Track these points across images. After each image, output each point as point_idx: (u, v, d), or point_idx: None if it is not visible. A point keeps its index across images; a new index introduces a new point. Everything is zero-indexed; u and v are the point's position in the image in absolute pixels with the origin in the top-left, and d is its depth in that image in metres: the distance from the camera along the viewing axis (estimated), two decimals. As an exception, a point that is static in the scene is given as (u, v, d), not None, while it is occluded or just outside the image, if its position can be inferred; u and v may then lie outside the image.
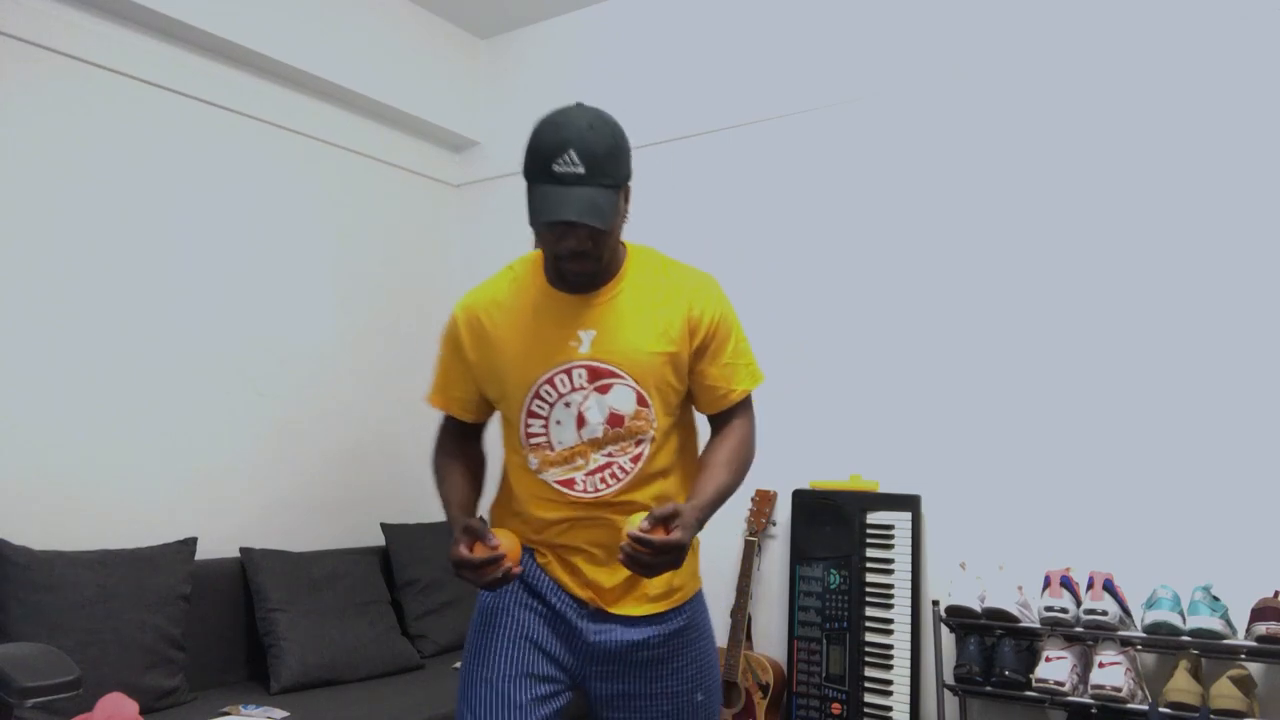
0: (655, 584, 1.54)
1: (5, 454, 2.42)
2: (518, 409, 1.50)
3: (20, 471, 2.44)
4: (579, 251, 1.39)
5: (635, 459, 1.50)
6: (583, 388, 1.48)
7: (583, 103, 1.46)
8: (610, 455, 1.49)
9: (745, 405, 1.63)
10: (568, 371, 1.48)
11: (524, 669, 1.50)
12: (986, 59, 2.74)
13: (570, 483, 1.50)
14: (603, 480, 1.49)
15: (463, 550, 1.38)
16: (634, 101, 3.45)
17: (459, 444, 1.66)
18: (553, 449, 1.50)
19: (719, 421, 1.63)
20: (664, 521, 1.34)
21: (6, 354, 2.44)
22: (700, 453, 1.63)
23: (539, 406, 1.49)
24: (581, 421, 1.48)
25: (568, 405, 1.48)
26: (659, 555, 1.33)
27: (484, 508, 3.45)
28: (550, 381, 1.48)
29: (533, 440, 1.51)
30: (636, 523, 1.35)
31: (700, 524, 1.42)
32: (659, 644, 1.54)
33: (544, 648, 1.52)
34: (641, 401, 1.49)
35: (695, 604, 1.62)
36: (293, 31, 3.12)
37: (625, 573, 1.50)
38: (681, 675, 1.56)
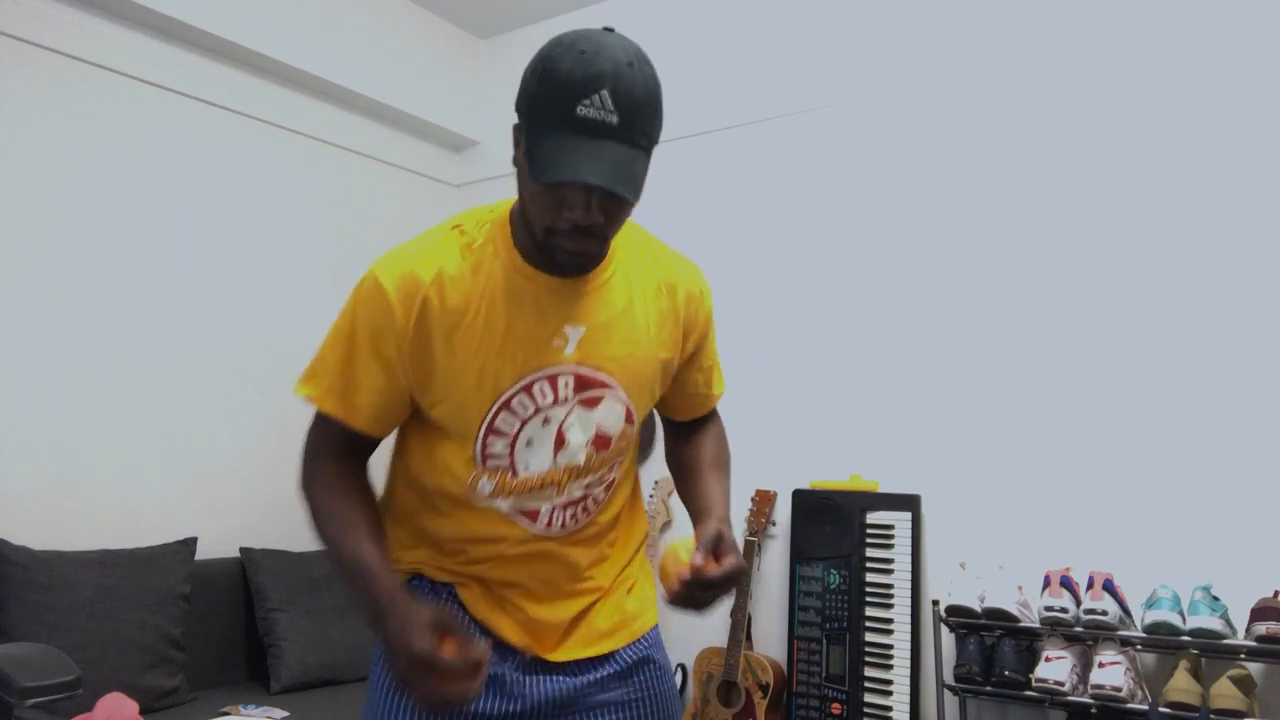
0: (604, 616, 1.24)
1: (5, 454, 2.42)
2: (474, 423, 1.13)
3: (20, 471, 2.44)
4: (586, 228, 1.02)
5: (609, 486, 1.23)
6: (566, 400, 1.14)
7: (615, 29, 1.05)
8: (588, 487, 1.19)
9: (716, 412, 1.43)
10: (552, 379, 1.13)
11: None
12: (987, 59, 2.74)
13: (533, 514, 1.18)
14: (573, 516, 1.20)
15: (427, 647, 0.96)
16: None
17: (351, 472, 1.18)
18: (515, 474, 1.15)
19: (692, 427, 1.39)
20: (714, 549, 1.09)
21: (6, 354, 2.45)
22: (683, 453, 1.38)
23: (506, 422, 1.13)
24: (561, 444, 1.15)
25: (546, 422, 1.14)
26: (723, 588, 1.08)
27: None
28: (528, 390, 1.13)
29: (491, 461, 1.14)
30: (685, 558, 1.08)
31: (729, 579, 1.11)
32: (615, 686, 1.23)
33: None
34: (629, 419, 1.19)
35: (654, 637, 1.31)
36: (293, 31, 3.12)
37: (571, 609, 1.22)
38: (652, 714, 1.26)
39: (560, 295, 1.13)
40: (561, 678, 1.21)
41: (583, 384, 1.15)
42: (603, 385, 1.16)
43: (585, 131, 0.98)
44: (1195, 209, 2.39)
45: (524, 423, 1.14)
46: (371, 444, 1.21)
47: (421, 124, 3.67)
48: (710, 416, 1.41)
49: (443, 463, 1.17)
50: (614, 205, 1.03)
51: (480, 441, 1.13)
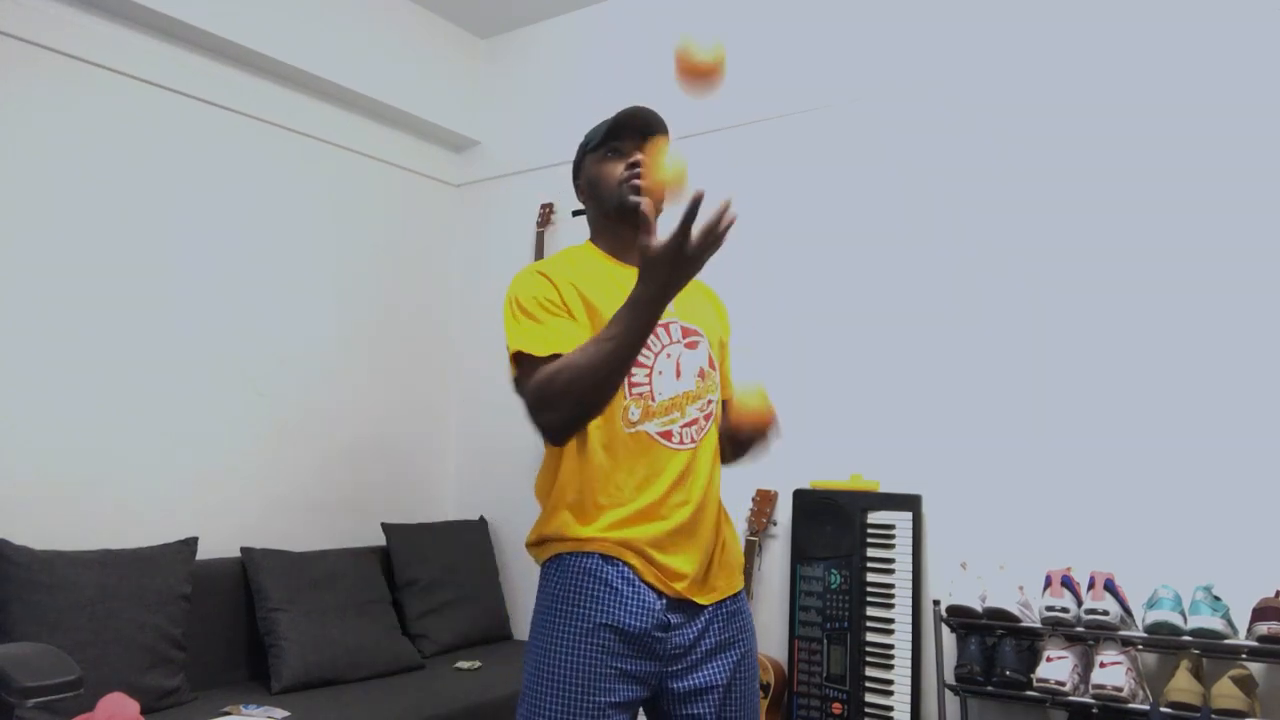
0: (727, 560, 1.57)
1: (5, 454, 2.42)
2: None
3: (20, 471, 2.44)
4: (639, 164, 1.55)
5: (708, 416, 1.57)
6: (678, 341, 1.55)
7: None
8: (701, 409, 1.55)
9: None
10: (666, 326, 1.54)
11: (612, 698, 1.42)
12: (987, 59, 2.74)
13: (669, 434, 1.50)
14: (693, 435, 1.53)
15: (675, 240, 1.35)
16: (634, 101, 3.44)
17: None
18: (654, 399, 1.50)
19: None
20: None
21: (7, 354, 2.44)
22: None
23: (644, 355, 1.50)
24: (679, 372, 1.53)
25: (669, 356, 1.53)
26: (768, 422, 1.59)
27: (487, 509, 3.37)
28: (655, 332, 1.50)
29: (636, 389, 1.49)
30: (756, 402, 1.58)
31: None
32: (728, 630, 1.54)
33: (628, 669, 1.44)
34: (711, 364, 1.60)
35: (743, 597, 1.64)
36: (293, 31, 3.12)
37: (701, 557, 1.52)
38: (746, 662, 1.56)
39: (661, 275, 1.41)
40: (691, 621, 1.50)
41: (685, 331, 1.57)
42: (696, 334, 1.59)
43: (626, 117, 1.62)
44: (1195, 209, 2.39)
45: (655, 355, 1.52)
46: None
47: (421, 124, 3.67)
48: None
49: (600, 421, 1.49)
50: (646, 142, 1.57)
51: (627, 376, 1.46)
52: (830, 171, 2.98)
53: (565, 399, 1.36)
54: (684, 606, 1.49)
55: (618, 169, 1.58)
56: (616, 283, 1.52)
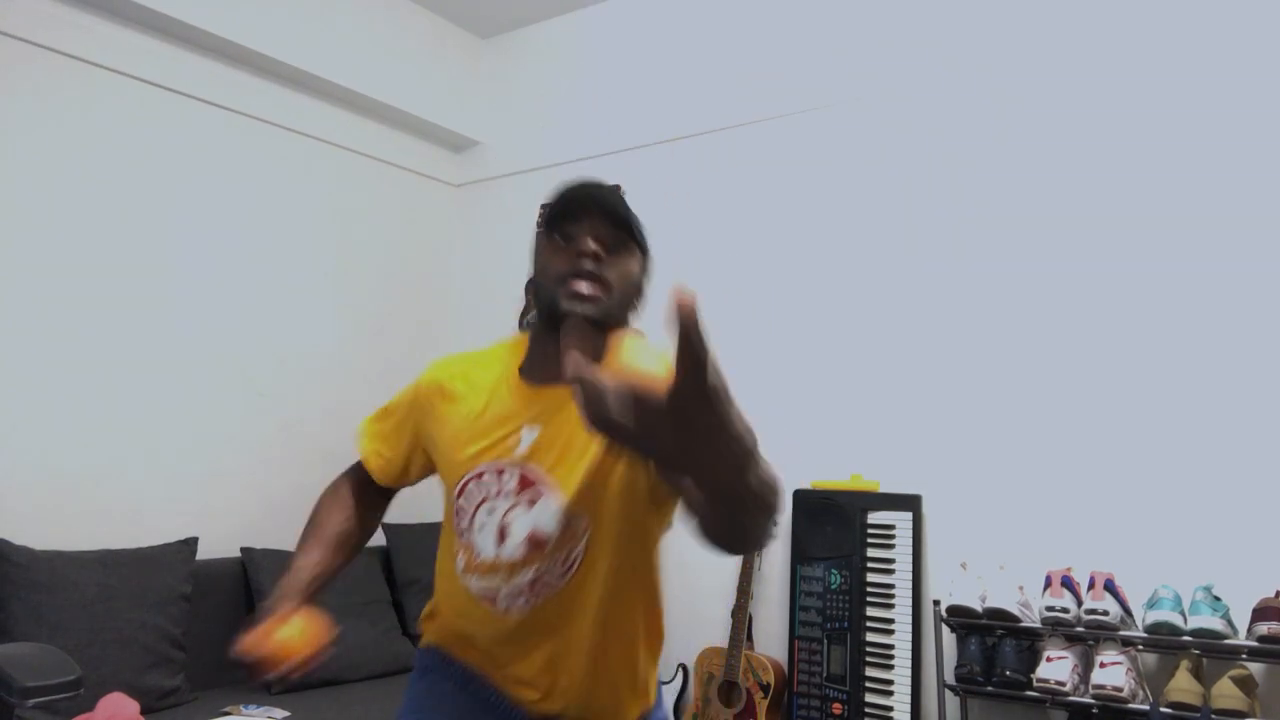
0: (606, 714, 1.27)
1: (5, 454, 2.42)
2: (450, 493, 1.28)
3: (20, 471, 2.44)
4: (590, 255, 1.17)
5: (568, 568, 1.21)
6: (507, 494, 1.21)
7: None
8: (538, 573, 1.20)
9: None
10: (499, 472, 1.22)
11: None
12: (987, 59, 2.74)
13: (491, 598, 1.22)
14: (526, 601, 1.21)
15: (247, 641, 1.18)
16: (634, 101, 3.45)
17: (358, 494, 1.45)
18: (476, 555, 1.23)
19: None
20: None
21: (7, 354, 2.44)
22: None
23: (467, 500, 1.24)
24: (502, 536, 1.21)
25: (491, 511, 1.22)
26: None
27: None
28: (479, 476, 1.23)
29: (462, 538, 1.26)
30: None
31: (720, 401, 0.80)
32: None
33: None
34: (567, 524, 1.19)
35: None
36: (293, 31, 3.12)
37: (569, 701, 1.24)
38: None
39: (530, 400, 1.24)
40: None
41: (525, 482, 1.20)
42: (543, 486, 1.19)
43: (586, 191, 1.20)
44: (1195, 210, 2.39)
45: (477, 506, 1.23)
46: (378, 489, 1.50)
47: (421, 124, 3.67)
48: None
49: (444, 529, 1.33)
50: (614, 246, 1.20)
51: (455, 512, 1.27)
52: (830, 172, 2.98)
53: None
54: None
55: (561, 259, 1.19)
56: (490, 393, 1.27)
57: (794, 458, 2.91)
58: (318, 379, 3.27)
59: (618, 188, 1.27)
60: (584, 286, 1.17)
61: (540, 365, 1.24)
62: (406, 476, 1.46)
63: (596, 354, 1.12)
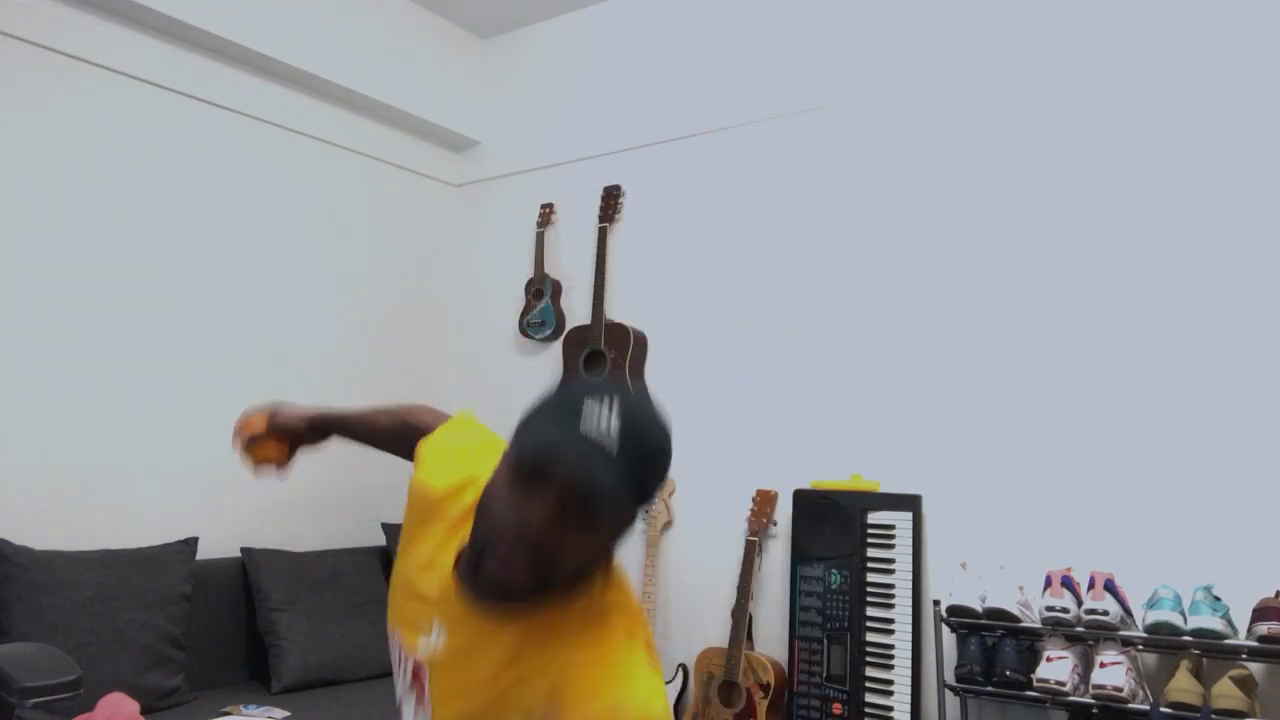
0: None
1: (5, 454, 2.42)
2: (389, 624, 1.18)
3: (20, 471, 2.44)
4: (521, 539, 0.90)
5: None
6: (404, 678, 1.10)
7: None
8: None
9: None
10: (401, 653, 1.11)
11: None
12: (987, 59, 2.74)
13: None
14: None
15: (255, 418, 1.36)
16: (633, 101, 3.45)
17: (407, 431, 1.35)
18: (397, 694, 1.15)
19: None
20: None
21: (7, 354, 2.44)
22: None
23: (393, 655, 1.15)
24: (400, 713, 1.13)
25: (402, 676, 1.12)
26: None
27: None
28: (393, 639, 1.14)
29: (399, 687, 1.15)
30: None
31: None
32: None
33: None
34: None
35: None
36: (292, 31, 3.12)
37: None
38: None
39: (455, 601, 1.01)
40: None
41: (416, 676, 1.07)
42: (423, 691, 1.05)
43: (541, 463, 0.91)
44: (1195, 210, 2.39)
45: (397, 668, 1.13)
46: None
47: (421, 124, 3.67)
48: None
49: None
50: (570, 530, 0.90)
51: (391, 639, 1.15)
52: (829, 171, 2.98)
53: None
54: None
55: (512, 512, 0.91)
56: (441, 546, 1.07)
57: (794, 458, 2.91)
58: (318, 379, 3.27)
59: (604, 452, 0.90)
60: (500, 565, 0.92)
61: (470, 573, 0.98)
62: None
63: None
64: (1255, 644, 2.01)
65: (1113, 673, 2.10)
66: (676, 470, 3.08)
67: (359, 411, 1.47)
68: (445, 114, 3.73)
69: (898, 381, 2.79)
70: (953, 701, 2.43)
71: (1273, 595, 2.07)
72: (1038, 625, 2.27)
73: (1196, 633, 2.06)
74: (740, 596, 2.81)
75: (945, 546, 2.65)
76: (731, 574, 2.92)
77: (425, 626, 1.05)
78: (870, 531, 2.70)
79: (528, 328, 3.54)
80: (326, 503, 3.25)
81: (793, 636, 2.77)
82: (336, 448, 3.34)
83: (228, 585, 2.73)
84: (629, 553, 3.07)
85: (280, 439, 1.42)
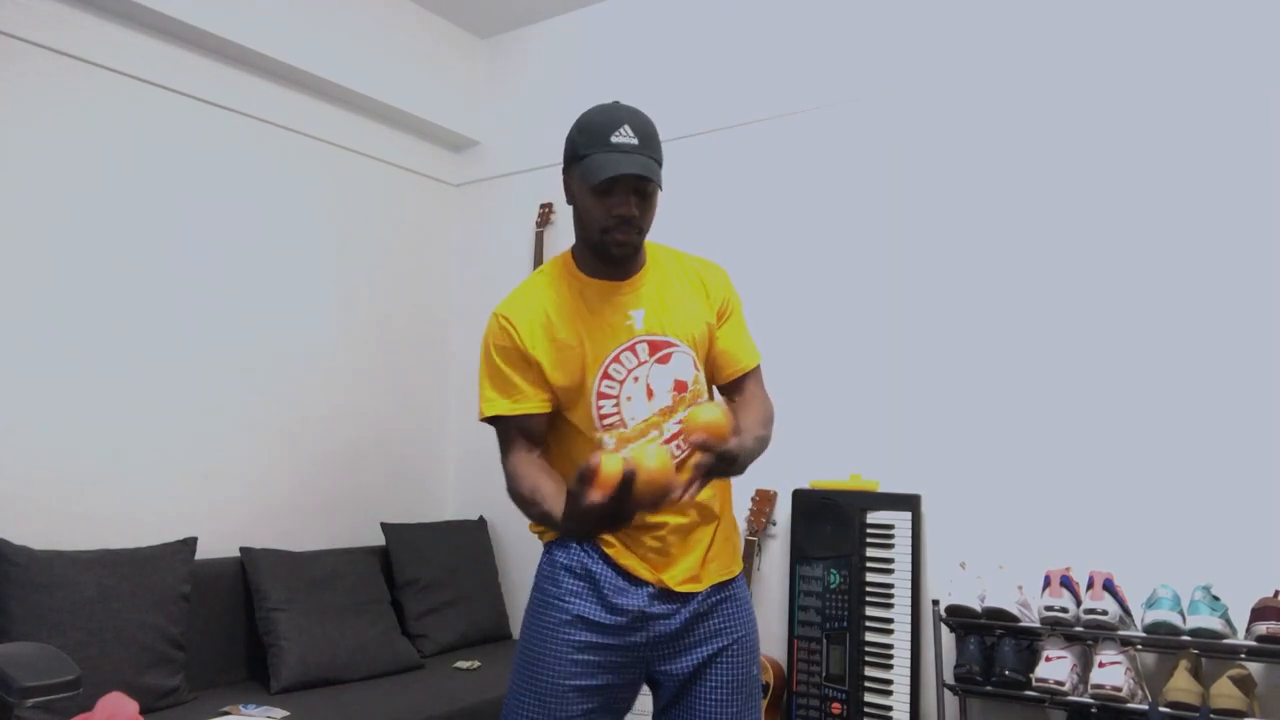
0: (714, 557, 1.60)
1: (5, 454, 2.42)
2: (589, 394, 1.55)
3: (20, 471, 2.44)
4: (628, 219, 1.50)
5: None
6: (646, 361, 1.56)
7: (620, 101, 1.58)
8: (679, 422, 1.55)
9: (760, 379, 1.72)
10: (631, 348, 1.56)
11: (580, 682, 1.52)
12: (987, 59, 2.74)
13: None
14: (678, 446, 1.54)
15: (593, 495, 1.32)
16: (633, 101, 3.43)
17: (536, 462, 1.60)
18: (627, 425, 1.55)
19: (734, 390, 1.69)
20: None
21: (6, 354, 2.45)
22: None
23: (609, 386, 1.55)
24: (650, 393, 1.55)
25: (636, 380, 1.55)
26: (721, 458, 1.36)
27: (487, 509, 3.36)
28: (617, 359, 1.55)
29: (606, 421, 1.55)
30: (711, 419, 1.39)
31: (737, 458, 1.39)
32: (717, 616, 1.59)
33: (601, 659, 1.53)
34: (695, 365, 1.60)
35: (740, 582, 1.68)
36: (293, 31, 3.12)
37: (693, 553, 1.57)
38: (741, 646, 1.61)
39: (620, 292, 1.59)
40: (681, 607, 1.55)
41: (655, 347, 1.57)
42: (669, 345, 1.58)
43: (619, 150, 1.48)
44: (1194, 210, 2.39)
45: (621, 384, 1.56)
46: (541, 432, 1.62)
47: (421, 124, 3.68)
48: (753, 385, 1.70)
49: (574, 438, 1.59)
50: (644, 198, 1.52)
51: (595, 407, 1.55)
52: (829, 171, 2.98)
53: (519, 507, 1.57)
54: (668, 596, 1.55)
55: (603, 212, 1.50)
56: (584, 302, 1.58)
57: (794, 457, 2.91)
58: (317, 379, 3.27)
59: (639, 115, 1.53)
60: (623, 236, 1.52)
61: (602, 271, 1.59)
62: (549, 405, 1.61)
63: (638, 263, 1.61)
64: (1254, 644, 2.01)
65: (1112, 672, 2.10)
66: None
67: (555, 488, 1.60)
68: (445, 114, 3.73)
69: (897, 381, 2.79)
70: (952, 701, 2.43)
71: (1271, 595, 2.07)
72: (1037, 625, 2.27)
73: (1195, 632, 2.07)
74: (739, 596, 2.81)
75: (944, 546, 2.65)
76: (731, 574, 2.92)
77: (628, 322, 1.58)
78: (869, 531, 2.70)
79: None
80: (326, 503, 3.25)
81: (792, 636, 2.77)
82: (336, 447, 3.35)
83: (227, 585, 2.73)
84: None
85: None
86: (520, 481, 1.55)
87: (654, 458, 1.30)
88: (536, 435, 1.61)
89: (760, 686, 1.67)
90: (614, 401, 1.55)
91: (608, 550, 1.55)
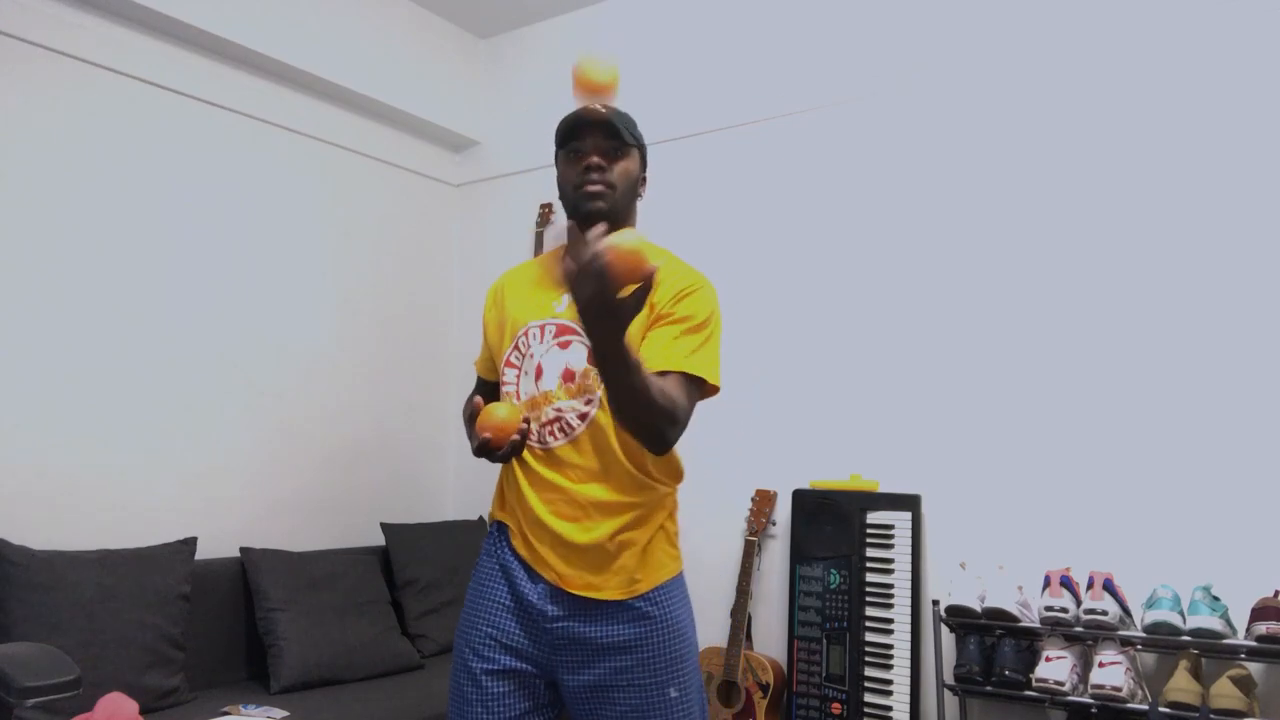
0: (615, 573, 1.54)
1: (5, 454, 2.42)
2: (501, 360, 1.65)
3: (20, 471, 2.44)
4: (594, 166, 1.53)
5: (582, 417, 1.54)
6: (548, 340, 1.58)
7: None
8: (559, 410, 1.54)
9: (682, 385, 1.48)
10: (541, 327, 1.60)
11: (489, 666, 1.55)
12: (987, 58, 2.74)
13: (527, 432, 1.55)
14: (551, 433, 1.55)
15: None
16: (633, 101, 3.43)
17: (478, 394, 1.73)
18: (519, 399, 1.59)
19: None
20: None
21: (6, 354, 2.45)
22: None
23: (515, 357, 1.62)
24: (539, 373, 1.57)
25: (532, 357, 1.59)
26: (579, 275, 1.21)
27: (487, 509, 3.36)
28: (526, 334, 1.61)
29: (505, 388, 1.62)
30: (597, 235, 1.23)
31: (613, 346, 1.27)
32: (620, 632, 1.53)
33: (509, 643, 1.55)
34: (590, 360, 1.52)
35: (664, 594, 1.58)
36: (293, 31, 3.12)
37: (591, 555, 1.53)
38: (649, 667, 1.53)
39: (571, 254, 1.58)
40: (581, 614, 1.53)
41: (561, 330, 1.58)
42: (573, 333, 1.56)
43: (586, 114, 1.54)
44: (1194, 210, 2.39)
45: (524, 358, 1.60)
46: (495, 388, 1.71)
47: (421, 124, 3.68)
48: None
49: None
50: (612, 156, 1.55)
51: (502, 374, 1.63)
52: (829, 171, 2.98)
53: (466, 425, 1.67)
54: (565, 598, 1.53)
55: (574, 171, 1.56)
56: (537, 278, 1.68)
57: (793, 457, 2.91)
58: (317, 379, 3.27)
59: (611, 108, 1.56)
60: (593, 187, 1.53)
61: (577, 214, 1.58)
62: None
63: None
64: (1254, 644, 2.01)
65: (1111, 672, 2.10)
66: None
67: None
68: (445, 114, 3.73)
69: (897, 381, 2.79)
70: (951, 701, 2.43)
71: (1271, 595, 2.07)
72: (1037, 625, 2.27)
73: (1195, 632, 2.07)
74: (739, 596, 2.82)
75: (944, 546, 2.65)
76: (730, 574, 2.92)
77: (554, 304, 1.60)
78: (869, 531, 2.70)
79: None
80: (326, 503, 3.25)
81: (792, 636, 2.77)
82: (336, 447, 3.35)
83: (227, 585, 2.73)
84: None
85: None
86: (465, 407, 1.72)
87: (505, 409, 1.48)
88: (496, 394, 1.72)
89: (688, 710, 1.57)
90: (515, 372, 1.61)
91: (512, 541, 1.59)
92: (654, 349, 1.50)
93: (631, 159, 1.59)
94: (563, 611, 1.53)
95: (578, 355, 1.55)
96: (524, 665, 1.55)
